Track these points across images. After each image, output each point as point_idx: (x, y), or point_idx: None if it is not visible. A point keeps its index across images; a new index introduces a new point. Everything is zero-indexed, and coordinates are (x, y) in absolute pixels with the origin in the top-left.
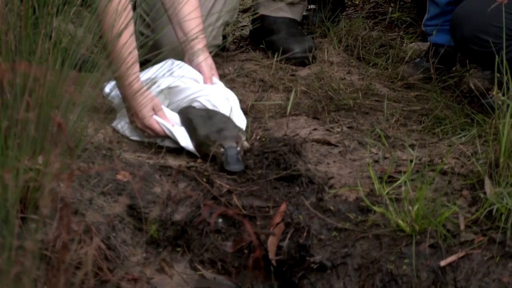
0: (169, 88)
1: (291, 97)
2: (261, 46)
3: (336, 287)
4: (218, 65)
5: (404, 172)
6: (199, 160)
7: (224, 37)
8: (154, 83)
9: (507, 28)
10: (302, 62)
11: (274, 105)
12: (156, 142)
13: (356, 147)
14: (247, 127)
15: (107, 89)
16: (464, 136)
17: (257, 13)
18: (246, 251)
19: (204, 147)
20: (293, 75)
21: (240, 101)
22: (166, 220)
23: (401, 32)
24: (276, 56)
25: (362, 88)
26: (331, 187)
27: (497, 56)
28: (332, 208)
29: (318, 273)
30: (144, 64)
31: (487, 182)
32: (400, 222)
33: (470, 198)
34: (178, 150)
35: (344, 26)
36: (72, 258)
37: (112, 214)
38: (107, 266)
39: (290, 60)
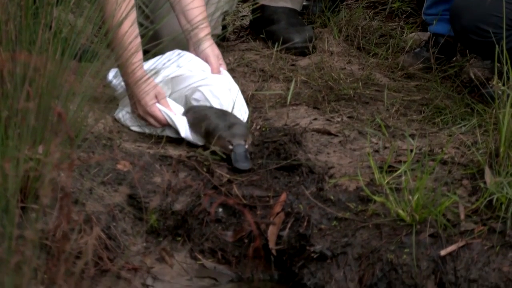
0: (173, 77)
1: (291, 87)
2: (261, 36)
3: (336, 276)
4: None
5: (404, 162)
6: (199, 150)
7: (224, 27)
8: (158, 72)
9: (507, 18)
10: (302, 52)
11: (274, 95)
12: (157, 132)
13: (356, 137)
14: (248, 116)
15: (110, 76)
16: (464, 126)
17: (257, 3)
18: (246, 241)
19: (210, 137)
20: (293, 65)
21: (241, 91)
22: (166, 209)
23: (401, 22)
24: (276, 46)
25: (362, 78)
26: (331, 176)
27: (497, 46)
28: (332, 197)
29: (318, 263)
30: (143, 54)
31: (487, 171)
32: (400, 211)
33: (470, 188)
34: (178, 140)
35: (344, 16)
36: (72, 248)
37: (112, 204)
38: (107, 255)
39: (290, 50)
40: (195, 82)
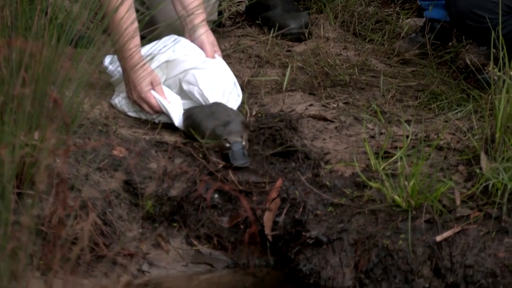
0: (167, 61)
1: (287, 73)
2: (257, 22)
3: (332, 262)
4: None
5: (400, 148)
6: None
7: (220, 13)
8: (154, 57)
9: (503, 3)
10: (298, 38)
11: (270, 81)
12: (152, 118)
13: (352, 123)
14: (243, 102)
15: (106, 62)
16: (460, 111)
17: None
18: (242, 227)
19: (209, 138)
20: (289, 51)
21: (236, 76)
22: (162, 195)
23: (397, 8)
24: (272, 32)
25: (358, 63)
26: (327, 162)
27: (493, 32)
28: (328, 183)
29: (314, 248)
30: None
31: (483, 157)
32: (396, 197)
33: (466, 174)
34: (174, 126)
35: (340, 2)
36: (68, 234)
37: (108, 190)
38: (103, 241)
39: (286, 36)
40: (188, 67)
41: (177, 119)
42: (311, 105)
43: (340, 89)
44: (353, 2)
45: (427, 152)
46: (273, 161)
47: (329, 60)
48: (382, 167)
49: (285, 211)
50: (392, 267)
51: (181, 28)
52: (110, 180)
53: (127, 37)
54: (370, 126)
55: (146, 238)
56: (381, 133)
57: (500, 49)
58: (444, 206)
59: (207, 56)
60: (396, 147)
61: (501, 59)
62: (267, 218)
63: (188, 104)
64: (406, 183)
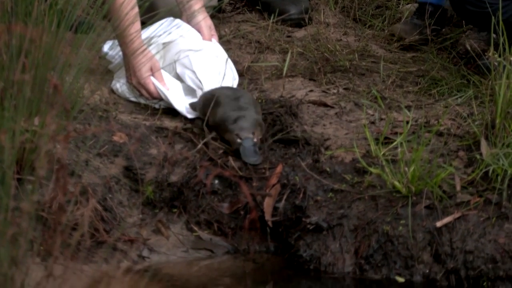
0: (164, 43)
1: (287, 59)
2: (257, 7)
3: (332, 248)
4: (214, 27)
5: (400, 134)
6: (196, 121)
7: None
8: (152, 40)
9: None
10: (298, 24)
11: (270, 66)
12: (153, 103)
13: (352, 109)
14: (243, 88)
15: (105, 48)
16: (460, 97)
17: None
18: (242, 212)
19: (220, 130)
20: (289, 36)
21: (236, 62)
22: (162, 181)
23: None
24: (272, 17)
25: (358, 49)
26: (327, 148)
27: (493, 17)
28: (328, 169)
29: (314, 234)
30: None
31: (483, 143)
32: (396, 183)
33: (466, 159)
34: (175, 112)
35: None
36: (69, 219)
37: (108, 176)
38: (103, 227)
39: (286, 21)
40: (184, 47)
41: (177, 103)
42: (311, 90)
43: (340, 74)
44: None
45: (427, 138)
46: (273, 147)
47: (329, 45)
48: (382, 153)
49: (285, 197)
50: (392, 253)
51: (180, 14)
52: (110, 166)
53: (128, 22)
54: (370, 112)
55: (146, 224)
56: (381, 119)
57: (500, 34)
58: (444, 191)
59: (204, 39)
60: (396, 133)
61: (501, 45)
62: (267, 204)
63: (185, 88)
64: (406, 169)
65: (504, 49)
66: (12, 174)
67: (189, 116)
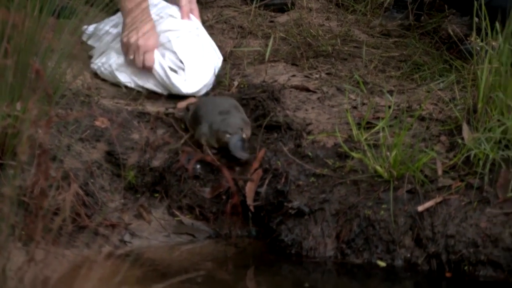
0: None
1: (270, 44)
2: None
3: (313, 232)
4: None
5: (382, 118)
6: (178, 106)
7: None
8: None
9: None
10: (281, 9)
11: (253, 51)
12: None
13: (335, 93)
14: (225, 73)
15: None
16: (443, 82)
17: None
18: (224, 197)
19: (213, 140)
20: (272, 21)
21: (219, 47)
22: (144, 166)
23: None
24: (254, 2)
25: (341, 34)
26: (309, 133)
27: (475, 2)
28: (310, 154)
29: (296, 219)
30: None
31: (465, 127)
32: (378, 168)
33: (448, 144)
34: (156, 97)
35: None
36: (50, 204)
37: (90, 160)
38: (85, 212)
39: (269, 6)
40: (163, 28)
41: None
42: (293, 75)
43: (323, 59)
44: None
45: (409, 123)
46: (255, 132)
47: (311, 30)
48: (364, 137)
49: (267, 181)
50: (373, 237)
51: None
52: (92, 150)
53: None
54: (352, 96)
55: (128, 209)
56: (364, 104)
57: (483, 19)
58: (426, 176)
59: (182, 12)
60: (378, 118)
61: (483, 29)
62: (249, 189)
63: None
64: (388, 153)
65: (486, 34)
66: None
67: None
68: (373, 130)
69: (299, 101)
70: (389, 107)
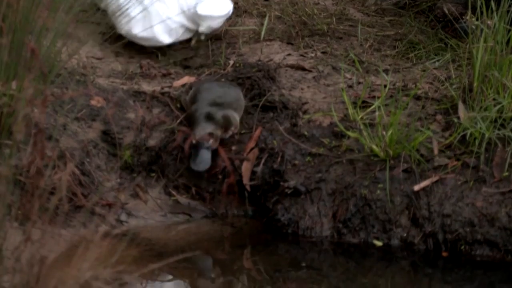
0: None
1: (265, 23)
2: None
3: (310, 211)
4: None
5: (378, 97)
6: (173, 85)
7: None
8: None
9: None
10: None
11: (248, 30)
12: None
13: (330, 72)
14: (221, 52)
15: None
16: (438, 61)
17: None
18: (220, 177)
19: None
20: (267, 0)
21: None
22: (140, 145)
23: None
24: None
25: (336, 13)
26: (305, 112)
27: None
28: (306, 133)
29: (292, 198)
30: None
31: (461, 106)
32: (374, 147)
33: (443, 123)
34: (152, 76)
35: None
36: (46, 184)
37: (86, 140)
38: (81, 191)
39: None
40: None
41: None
42: (289, 54)
43: (318, 38)
44: None
45: (405, 102)
46: (251, 111)
47: (307, 9)
48: (360, 116)
49: (263, 161)
50: (370, 217)
51: None
52: (88, 130)
53: None
54: (348, 75)
55: (124, 188)
56: (359, 83)
57: None
58: (422, 155)
59: None
60: (374, 97)
61: (478, 8)
62: (245, 168)
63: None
64: (384, 132)
65: (482, 13)
66: None
67: None
68: (369, 109)
69: (295, 80)
70: (385, 86)
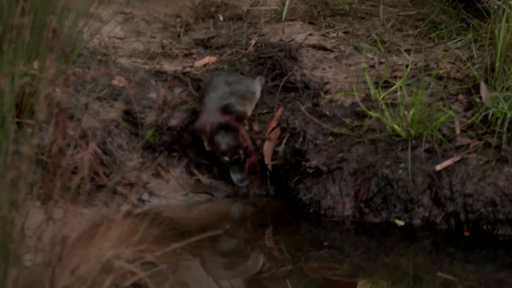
0: None
1: (287, 2)
2: None
3: (331, 191)
4: None
5: (400, 77)
6: (195, 65)
7: None
8: None
9: None
10: None
11: (270, 10)
12: None
13: (352, 52)
14: (242, 32)
15: None
16: (460, 40)
17: None
18: (242, 156)
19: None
20: None
21: (235, 6)
22: (162, 125)
23: None
24: None
25: None
26: (326, 92)
27: None
28: (327, 113)
29: (313, 178)
30: None
31: (483, 86)
32: (396, 126)
33: (465, 103)
34: (174, 56)
35: None
36: (68, 163)
37: (108, 119)
38: (103, 171)
39: None
40: None
41: None
42: (310, 34)
43: (340, 18)
44: None
45: (427, 82)
46: (273, 91)
47: None
48: (381, 96)
49: (284, 140)
50: (391, 196)
51: None
52: (110, 109)
53: None
54: (369, 55)
55: (146, 168)
56: (381, 63)
57: None
58: (443, 135)
59: None
60: (395, 77)
61: None
62: (267, 148)
63: None
64: (405, 112)
65: None
66: (12, 118)
67: None
68: (390, 89)
69: (316, 60)
70: (407, 66)
